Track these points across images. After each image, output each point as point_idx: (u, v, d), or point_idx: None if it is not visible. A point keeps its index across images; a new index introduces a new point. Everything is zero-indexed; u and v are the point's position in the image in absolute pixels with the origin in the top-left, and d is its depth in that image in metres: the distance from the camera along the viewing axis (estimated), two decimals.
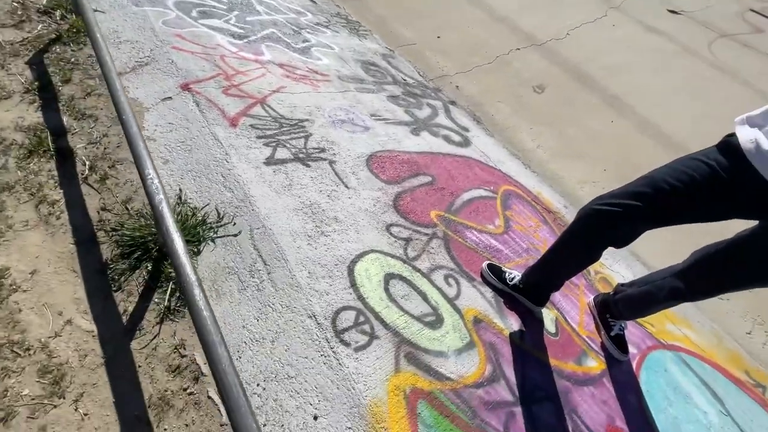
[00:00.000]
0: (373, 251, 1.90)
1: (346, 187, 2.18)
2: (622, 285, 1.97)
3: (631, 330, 2.09)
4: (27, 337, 1.37)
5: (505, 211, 2.52)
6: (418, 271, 1.90)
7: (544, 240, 2.44)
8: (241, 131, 2.22)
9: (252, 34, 3.17)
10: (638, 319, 2.14)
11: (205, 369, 1.40)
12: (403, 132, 2.81)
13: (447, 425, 1.41)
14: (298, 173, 2.13)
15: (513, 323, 1.87)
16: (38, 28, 2.51)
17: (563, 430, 1.57)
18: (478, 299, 1.90)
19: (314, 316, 1.56)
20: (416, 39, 4.18)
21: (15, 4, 2.58)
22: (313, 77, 2.97)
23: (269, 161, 2.11)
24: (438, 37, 4.28)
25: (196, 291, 1.17)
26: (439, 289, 1.86)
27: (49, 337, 1.39)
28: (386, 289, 1.76)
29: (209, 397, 1.36)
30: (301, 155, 2.24)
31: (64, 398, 1.28)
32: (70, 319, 1.44)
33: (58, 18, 2.63)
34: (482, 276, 2.02)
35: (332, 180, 2.18)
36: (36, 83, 2.17)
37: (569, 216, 2.70)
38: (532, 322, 1.91)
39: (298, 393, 1.37)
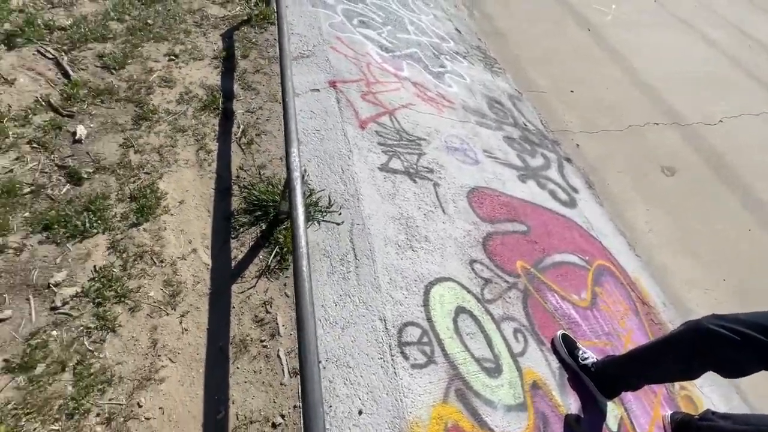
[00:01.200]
0: (452, 280, 1.94)
1: (443, 211, 2.25)
2: (714, 414, 1.73)
3: None
4: (164, 251, 1.67)
5: (594, 287, 2.37)
6: (490, 314, 1.89)
7: (629, 330, 2.25)
8: (366, 134, 2.43)
9: (398, 50, 3.44)
10: None
11: (282, 330, 1.57)
12: (510, 174, 2.81)
13: None
14: (404, 186, 2.26)
15: (572, 404, 1.76)
16: (236, 10, 3.04)
17: None
18: (542, 365, 1.83)
19: (384, 320, 1.65)
20: (547, 87, 4.13)
21: None
22: (440, 101, 3.12)
23: (383, 167, 2.28)
24: (571, 91, 4.17)
25: (304, 262, 1.33)
26: (505, 339, 1.83)
27: (178, 258, 1.68)
28: (455, 321, 1.79)
29: (278, 356, 1.52)
30: (411, 170, 2.38)
31: (174, 311, 1.54)
32: (195, 249, 1.73)
33: (252, 4, 3.16)
34: (553, 343, 1.93)
35: (432, 201, 2.27)
36: (223, 53, 2.63)
37: (666, 315, 2.45)
38: (594, 411, 1.78)
39: (351, 383, 1.47)
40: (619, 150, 3.65)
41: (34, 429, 1.19)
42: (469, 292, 1.93)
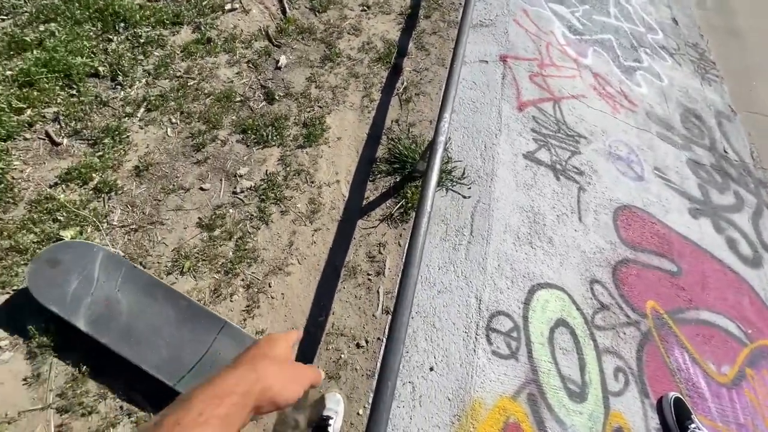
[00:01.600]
0: (563, 290, 1.82)
1: (579, 219, 2.07)
2: None
3: None
4: (316, 175, 1.98)
5: (746, 367, 1.92)
6: (594, 340, 1.73)
7: None
8: (522, 117, 2.32)
9: (588, 34, 3.07)
10: None
11: (387, 273, 1.74)
12: (678, 204, 2.36)
13: None
14: (545, 180, 2.13)
15: None
16: None
17: None
18: (636, 415, 1.63)
19: (480, 300, 1.67)
20: None
21: None
22: (620, 100, 2.73)
23: (528, 156, 2.18)
24: None
25: (425, 220, 1.43)
26: (602, 372, 1.67)
27: (324, 184, 1.97)
28: (552, 330, 1.70)
29: (377, 291, 1.71)
30: (558, 166, 2.21)
31: (311, 224, 1.84)
32: (338, 180, 2.00)
33: None
34: (660, 402, 1.68)
35: (570, 206, 2.10)
36: (409, 10, 2.77)
37: None
38: None
39: (431, 341, 1.57)
40: None
41: (204, 272, 1.64)
42: (578, 309, 1.79)
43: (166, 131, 1.94)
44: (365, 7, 2.74)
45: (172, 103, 2.00)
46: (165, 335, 1.47)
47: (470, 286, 1.71)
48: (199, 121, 2.01)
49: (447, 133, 1.66)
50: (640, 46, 3.23)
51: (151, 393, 1.39)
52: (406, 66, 2.50)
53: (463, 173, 2.04)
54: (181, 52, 2.19)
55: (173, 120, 1.98)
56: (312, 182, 1.95)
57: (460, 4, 2.88)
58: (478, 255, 1.80)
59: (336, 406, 1.42)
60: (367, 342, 1.58)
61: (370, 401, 1.39)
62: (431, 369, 1.51)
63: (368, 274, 1.74)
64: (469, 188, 2.00)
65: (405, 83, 2.41)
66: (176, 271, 1.62)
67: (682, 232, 2.25)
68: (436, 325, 1.61)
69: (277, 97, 2.20)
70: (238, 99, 2.16)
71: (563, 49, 2.84)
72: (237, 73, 2.26)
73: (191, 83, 2.10)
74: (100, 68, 1.99)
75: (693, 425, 1.59)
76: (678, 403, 1.65)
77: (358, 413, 1.44)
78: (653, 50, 3.27)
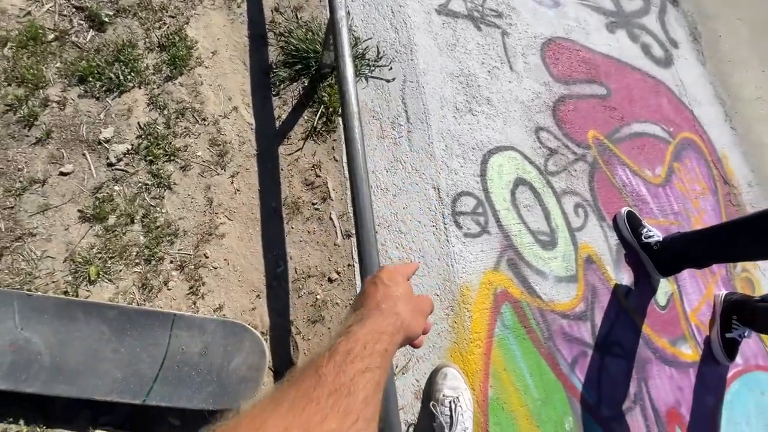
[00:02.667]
0: (513, 149, 1.75)
1: (511, 68, 1.90)
2: None
3: (749, 342, 1.85)
4: (204, 109, 1.56)
5: (673, 162, 2.10)
6: (551, 188, 1.74)
7: (701, 211, 2.05)
8: None
9: None
10: (766, 335, 1.87)
11: (333, 195, 1.54)
12: (596, 22, 2.26)
13: (522, 333, 1.47)
14: (467, 34, 1.88)
15: (624, 278, 1.73)
16: None
17: (625, 387, 1.56)
18: (599, 240, 1.75)
19: (438, 189, 1.56)
20: None
21: None
22: None
23: (441, 9, 1.87)
24: None
25: (356, 123, 1.18)
26: (564, 214, 1.72)
27: (220, 116, 1.57)
28: (512, 192, 1.67)
29: (330, 218, 1.52)
30: (475, 14, 1.94)
31: (224, 170, 1.51)
32: (236, 107, 1.61)
33: None
34: (615, 220, 1.81)
35: (498, 55, 1.91)
36: None
37: (749, 197, 2.19)
38: (645, 287, 1.75)
39: (402, 247, 1.48)
40: None
41: (120, 270, 1.32)
42: (531, 163, 1.75)
43: None
44: None
45: None
46: (107, 355, 1.23)
47: (424, 178, 1.56)
48: (9, 85, 1.43)
49: (345, 4, 1.30)
50: None
51: (123, 417, 1.21)
52: None
53: (378, 53, 1.72)
54: None
55: None
56: (204, 119, 1.55)
57: None
58: (423, 142, 1.62)
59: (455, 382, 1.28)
60: (338, 273, 1.45)
61: None
62: None
63: (313, 204, 1.53)
64: (390, 68, 1.71)
65: None
66: (83, 283, 1.30)
67: (605, 51, 2.19)
68: (402, 230, 1.50)
69: (106, 19, 1.60)
70: (51, 37, 1.54)
71: None
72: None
73: None
74: None
75: (644, 229, 1.75)
76: (630, 215, 1.78)
77: None
78: None
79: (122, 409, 1.19)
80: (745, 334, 1.75)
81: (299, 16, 1.76)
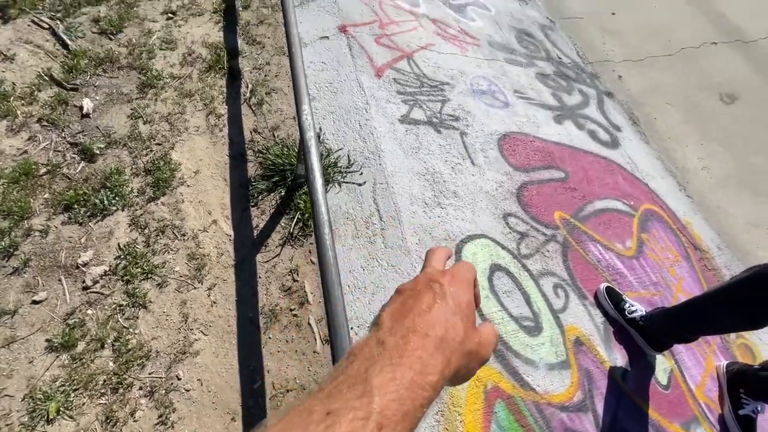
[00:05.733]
0: (485, 236, 1.82)
1: (472, 163, 2.08)
2: None
3: (766, 416, 1.73)
4: (184, 225, 1.63)
5: (641, 233, 2.19)
6: (527, 271, 1.78)
7: (680, 278, 2.08)
8: (384, 83, 2.22)
9: None
10: None
11: (311, 298, 1.53)
12: (544, 116, 2.55)
13: None
14: (429, 138, 2.08)
15: (618, 358, 1.68)
16: None
17: None
18: (584, 320, 1.73)
19: None
20: (585, 12, 3.64)
21: None
22: (463, 39, 2.81)
23: (404, 119, 2.10)
24: (612, 13, 3.67)
25: (326, 230, 1.24)
26: (545, 296, 1.73)
27: (199, 231, 1.64)
28: (489, 279, 1.69)
29: (309, 324, 1.49)
30: (434, 120, 2.18)
31: (201, 284, 1.52)
32: (215, 220, 1.68)
33: None
34: (596, 297, 1.82)
35: (459, 152, 2.10)
36: (223, 5, 2.42)
37: (722, 260, 2.25)
38: (641, 366, 1.69)
39: None
40: (669, 78, 3.23)
41: (83, 404, 1.24)
42: (504, 248, 1.81)
43: None
44: (170, 14, 2.32)
45: None
46: None
47: (400, 273, 1.59)
48: None
49: (314, 125, 1.46)
50: None
51: None
52: (244, 66, 2.20)
53: (349, 161, 1.88)
54: None
55: None
56: (183, 235, 1.60)
57: None
58: (396, 238, 1.68)
59: None
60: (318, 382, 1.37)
61: None
62: None
63: (291, 310, 1.51)
64: (361, 173, 1.85)
65: (250, 85, 2.11)
66: (40, 423, 1.19)
67: (556, 140, 2.43)
68: None
69: (97, 151, 1.75)
70: (43, 171, 1.66)
71: (396, 4, 2.79)
72: (28, 139, 1.73)
73: None
74: None
75: (627, 304, 1.75)
76: (609, 291, 1.80)
77: None
78: None
79: None
80: (759, 409, 1.65)
81: (276, 135, 1.95)
